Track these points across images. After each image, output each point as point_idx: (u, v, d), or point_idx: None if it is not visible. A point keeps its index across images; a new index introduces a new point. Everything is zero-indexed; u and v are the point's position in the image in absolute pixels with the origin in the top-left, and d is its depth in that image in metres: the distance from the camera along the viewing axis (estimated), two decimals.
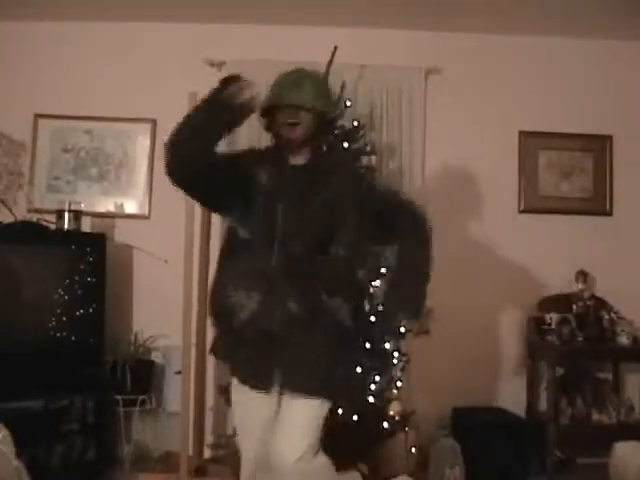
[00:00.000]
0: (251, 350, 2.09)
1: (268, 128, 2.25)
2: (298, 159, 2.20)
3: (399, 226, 2.21)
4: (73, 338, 3.53)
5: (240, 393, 2.21)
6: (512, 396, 4.00)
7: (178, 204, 3.37)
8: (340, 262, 2.11)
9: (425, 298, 2.22)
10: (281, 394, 2.11)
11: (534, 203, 4.17)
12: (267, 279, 2.06)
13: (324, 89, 2.29)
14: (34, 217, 3.80)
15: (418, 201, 2.32)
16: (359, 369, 2.68)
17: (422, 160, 4.08)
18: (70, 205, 3.79)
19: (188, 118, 2.11)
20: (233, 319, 2.10)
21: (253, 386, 2.14)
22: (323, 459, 2.12)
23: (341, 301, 2.11)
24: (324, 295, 2.09)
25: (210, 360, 3.70)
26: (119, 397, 3.68)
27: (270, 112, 2.19)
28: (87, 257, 3.62)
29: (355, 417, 3.06)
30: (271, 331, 2.05)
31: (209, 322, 3.45)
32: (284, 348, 2.05)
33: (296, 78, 2.19)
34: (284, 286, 2.06)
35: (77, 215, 3.79)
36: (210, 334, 3.63)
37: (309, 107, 2.14)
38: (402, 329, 3.01)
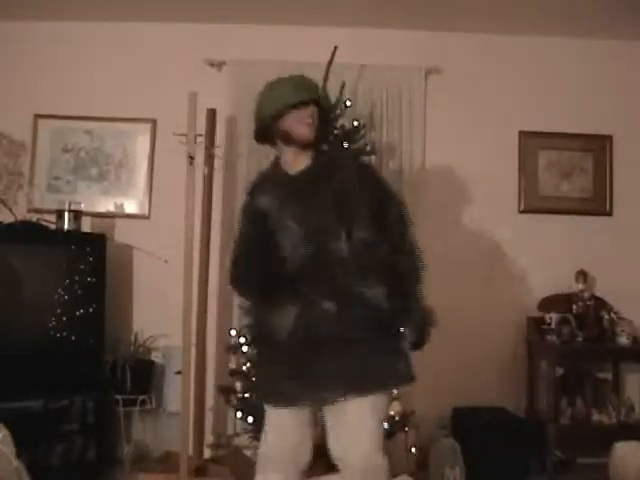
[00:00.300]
0: (293, 364, 2.07)
1: (269, 139, 2.23)
2: (300, 163, 2.18)
3: (395, 239, 2.18)
4: (73, 338, 3.53)
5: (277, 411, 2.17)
6: (512, 396, 4.00)
7: (178, 204, 3.38)
8: (366, 249, 2.09)
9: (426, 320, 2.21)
10: (334, 402, 2.06)
11: (534, 203, 4.17)
12: (300, 291, 2.07)
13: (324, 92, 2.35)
14: (34, 217, 3.80)
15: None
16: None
17: (422, 160, 4.08)
18: (70, 205, 3.79)
19: (240, 252, 2.20)
20: (273, 337, 2.12)
21: (296, 403, 2.10)
22: (385, 461, 2.08)
23: (377, 288, 2.09)
24: (359, 286, 2.07)
25: (210, 360, 3.72)
26: (119, 397, 3.67)
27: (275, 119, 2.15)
28: (87, 257, 3.62)
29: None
30: (310, 340, 2.04)
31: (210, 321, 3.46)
32: (327, 352, 2.03)
33: (301, 81, 2.19)
34: (317, 291, 2.06)
35: (77, 215, 3.79)
36: (210, 334, 3.68)
37: (329, 104, 2.18)
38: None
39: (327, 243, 2.08)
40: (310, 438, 2.19)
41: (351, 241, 2.08)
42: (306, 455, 2.18)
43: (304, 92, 2.14)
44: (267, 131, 2.18)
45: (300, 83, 2.17)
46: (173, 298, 3.38)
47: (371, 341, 2.05)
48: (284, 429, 2.16)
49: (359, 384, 2.02)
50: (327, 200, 2.10)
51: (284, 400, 2.12)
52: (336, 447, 2.09)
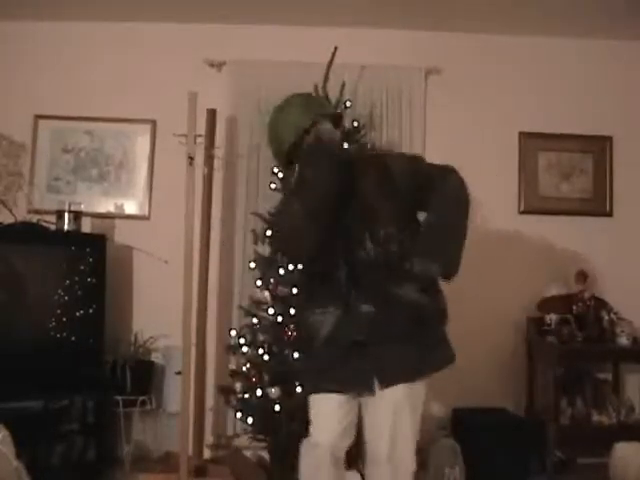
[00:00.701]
0: (337, 362, 2.12)
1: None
2: None
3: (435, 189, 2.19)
4: (73, 338, 3.53)
5: (324, 397, 2.20)
6: (512, 396, 4.00)
7: (178, 204, 3.38)
8: (397, 250, 2.10)
9: (461, 252, 2.19)
10: (376, 390, 2.11)
11: (534, 204, 4.17)
12: (339, 292, 2.11)
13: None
14: (34, 218, 3.80)
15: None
16: None
17: None
18: (70, 206, 3.79)
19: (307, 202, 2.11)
20: (315, 339, 2.16)
21: (345, 391, 2.15)
22: (411, 459, 2.14)
23: (410, 285, 2.11)
24: (393, 287, 2.10)
25: (210, 360, 3.72)
26: (119, 397, 3.67)
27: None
28: (87, 258, 3.62)
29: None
30: (352, 340, 2.09)
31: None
32: (370, 348, 2.08)
33: (307, 101, 2.28)
34: (355, 293, 2.10)
35: (77, 216, 3.80)
36: (210, 334, 3.68)
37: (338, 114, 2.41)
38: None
39: (357, 247, 2.11)
40: (351, 427, 2.21)
41: (379, 241, 2.10)
42: (346, 443, 2.20)
43: (315, 111, 2.20)
44: (291, 156, 2.22)
45: (308, 103, 2.24)
46: (173, 298, 3.38)
47: (407, 336, 2.09)
48: (326, 416, 2.19)
49: (391, 373, 2.08)
50: (352, 206, 2.13)
51: (323, 387, 2.17)
52: (366, 439, 2.15)
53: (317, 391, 2.22)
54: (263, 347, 3.29)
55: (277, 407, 3.16)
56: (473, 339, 3.95)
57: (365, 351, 2.08)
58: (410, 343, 2.09)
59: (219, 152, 3.74)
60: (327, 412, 2.19)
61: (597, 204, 4.18)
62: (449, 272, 2.10)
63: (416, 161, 2.31)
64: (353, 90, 3.89)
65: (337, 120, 2.29)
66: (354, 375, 2.10)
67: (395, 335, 2.08)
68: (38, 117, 4.15)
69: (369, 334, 2.08)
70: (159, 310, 3.81)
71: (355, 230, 2.12)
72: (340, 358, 2.11)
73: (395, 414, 2.10)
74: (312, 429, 2.21)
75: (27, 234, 3.58)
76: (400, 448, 2.10)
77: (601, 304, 3.97)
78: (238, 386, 3.37)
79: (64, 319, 3.51)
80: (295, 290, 3.17)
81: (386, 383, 2.08)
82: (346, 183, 2.12)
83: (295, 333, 3.17)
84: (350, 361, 2.09)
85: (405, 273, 2.08)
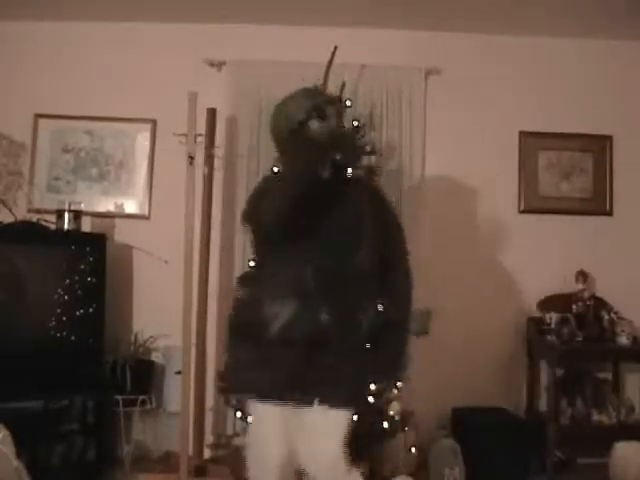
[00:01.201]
0: (284, 359, 2.07)
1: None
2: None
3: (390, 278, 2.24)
4: (73, 338, 3.53)
5: (263, 409, 2.18)
6: (512, 396, 4.00)
7: (178, 204, 3.39)
8: (366, 270, 2.14)
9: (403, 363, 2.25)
10: (311, 404, 2.09)
11: (534, 203, 4.17)
12: (300, 290, 2.10)
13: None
14: (34, 217, 3.80)
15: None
16: None
17: (422, 160, 4.08)
18: (70, 205, 3.79)
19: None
20: (266, 330, 2.10)
21: (281, 397, 2.10)
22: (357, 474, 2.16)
23: (371, 307, 2.15)
24: (355, 304, 2.13)
25: (210, 360, 3.72)
26: (119, 397, 3.67)
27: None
28: (87, 257, 3.62)
29: (355, 417, 3.05)
30: (304, 340, 2.06)
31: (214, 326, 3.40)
32: (319, 359, 2.06)
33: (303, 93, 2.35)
34: (316, 297, 2.09)
35: (77, 215, 3.80)
36: (210, 334, 3.67)
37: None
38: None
39: (330, 257, 2.12)
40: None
41: (351, 258, 2.12)
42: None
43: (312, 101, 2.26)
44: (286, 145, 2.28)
45: (307, 95, 2.29)
46: (173, 298, 3.39)
47: (357, 359, 2.10)
48: (264, 422, 2.19)
49: (331, 394, 2.06)
50: (334, 225, 2.15)
51: (262, 393, 2.13)
52: (303, 454, 2.13)
53: (250, 391, 2.17)
54: None
55: None
56: (473, 339, 3.96)
57: (314, 361, 2.05)
58: (359, 368, 2.09)
59: (219, 152, 3.74)
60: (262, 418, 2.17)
61: (597, 203, 4.18)
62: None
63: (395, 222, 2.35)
64: (353, 90, 3.89)
65: (333, 107, 2.30)
66: (297, 384, 2.06)
67: (347, 355, 2.08)
68: (38, 116, 4.15)
69: (320, 343, 2.05)
70: (159, 310, 3.81)
71: (330, 239, 2.12)
72: (287, 359, 2.05)
73: (324, 440, 2.09)
74: (252, 473, 2.23)
75: (27, 233, 3.58)
76: (335, 471, 2.10)
77: (601, 304, 3.97)
78: None
79: (64, 319, 3.51)
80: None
81: (325, 403, 2.06)
82: (329, 191, 2.13)
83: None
84: (296, 366, 2.05)
85: (369, 295, 2.14)
